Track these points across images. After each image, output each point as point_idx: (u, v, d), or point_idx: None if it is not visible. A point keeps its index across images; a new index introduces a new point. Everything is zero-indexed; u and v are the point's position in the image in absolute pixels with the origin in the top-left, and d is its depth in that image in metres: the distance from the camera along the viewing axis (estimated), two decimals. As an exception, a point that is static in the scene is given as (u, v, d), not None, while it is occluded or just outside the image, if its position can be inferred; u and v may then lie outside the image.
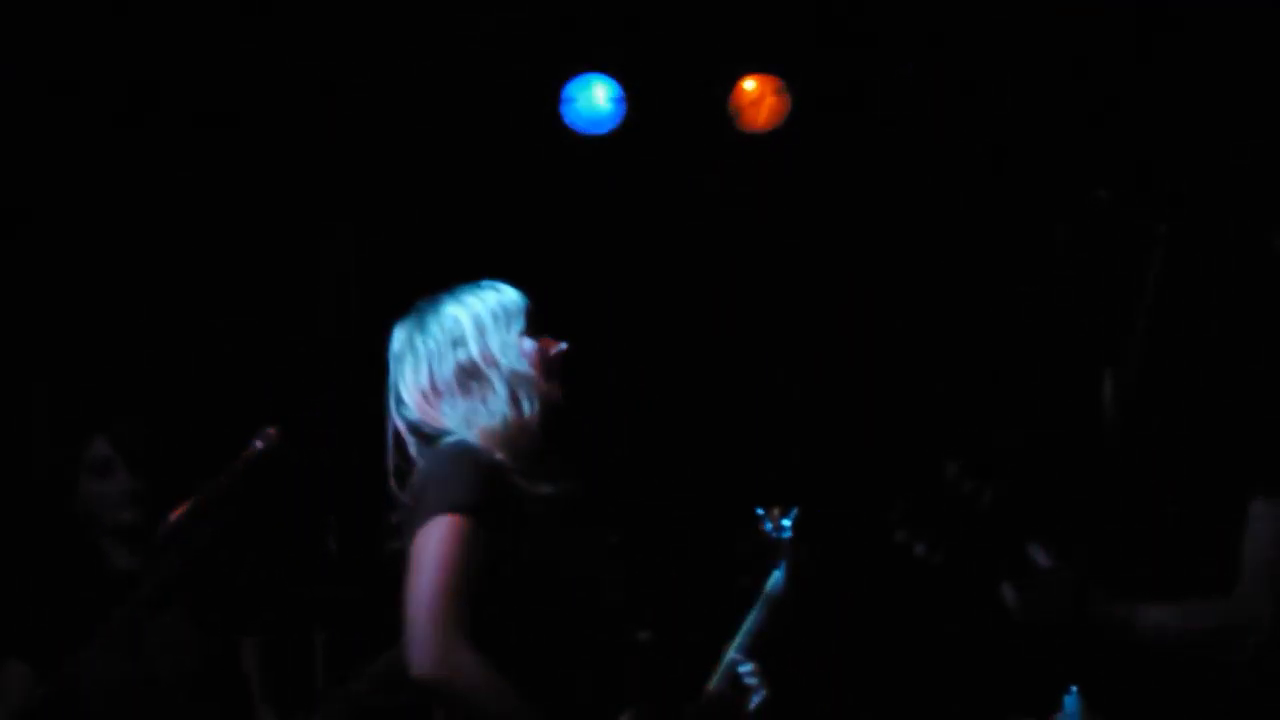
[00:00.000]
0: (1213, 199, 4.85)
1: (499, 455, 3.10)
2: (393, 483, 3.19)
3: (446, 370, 3.17)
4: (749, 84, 5.93)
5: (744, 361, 6.12)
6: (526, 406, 3.17)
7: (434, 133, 5.74)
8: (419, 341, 3.22)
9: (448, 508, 2.97)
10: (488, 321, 3.21)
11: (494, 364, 3.17)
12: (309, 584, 4.82)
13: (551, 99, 5.77)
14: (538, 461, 3.16)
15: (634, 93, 5.86)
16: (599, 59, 5.82)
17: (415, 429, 3.18)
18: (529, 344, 3.25)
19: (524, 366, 3.18)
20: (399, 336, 3.25)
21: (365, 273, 5.54)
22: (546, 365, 3.26)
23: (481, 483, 3.03)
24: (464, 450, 3.09)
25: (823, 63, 5.90)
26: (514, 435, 3.15)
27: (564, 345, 3.30)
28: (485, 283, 3.30)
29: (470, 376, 3.17)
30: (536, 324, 3.30)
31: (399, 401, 3.21)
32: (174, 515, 3.98)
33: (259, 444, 4.01)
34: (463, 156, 5.80)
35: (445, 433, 3.14)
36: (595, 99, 5.82)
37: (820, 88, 5.93)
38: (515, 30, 5.65)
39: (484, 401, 3.15)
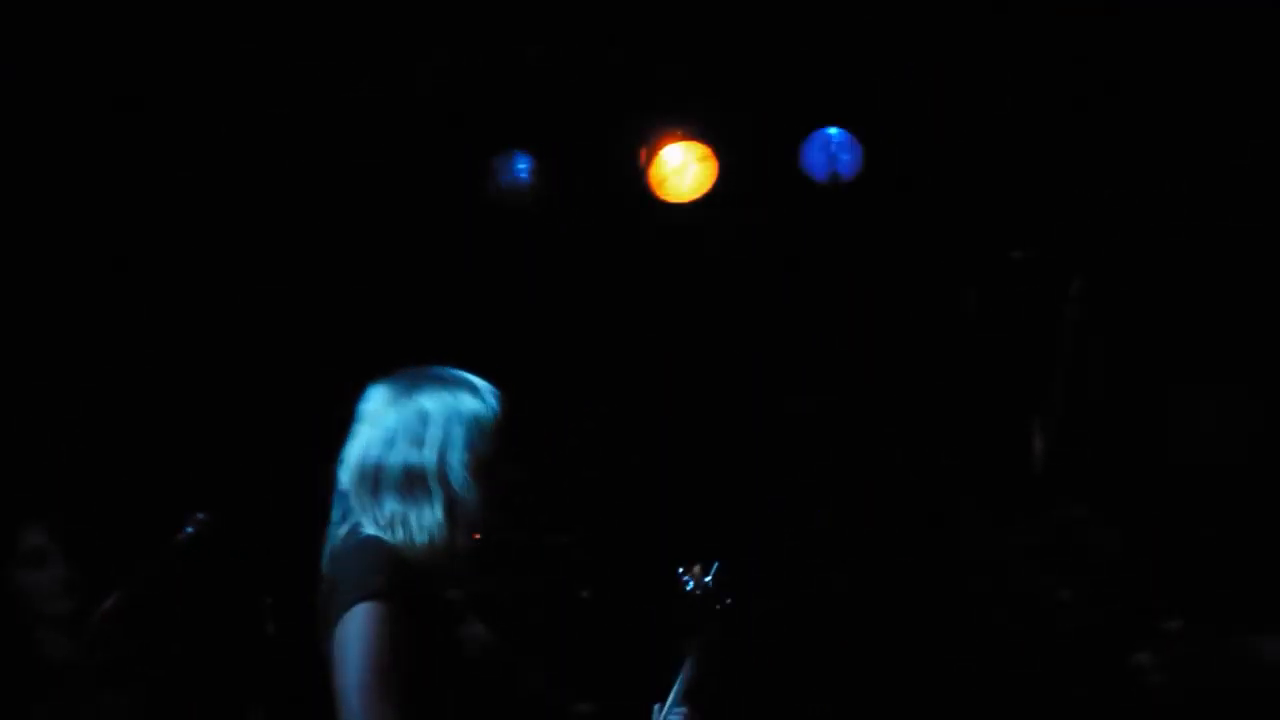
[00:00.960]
0: (1120, 252, 5.10)
1: (410, 557, 3.08)
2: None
3: (396, 462, 3.10)
4: (672, 153, 5.96)
5: (659, 415, 6.15)
6: (456, 536, 3.11)
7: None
8: (386, 417, 3.13)
9: (364, 597, 2.97)
10: (456, 435, 3.11)
11: (444, 483, 3.10)
12: (248, 667, 4.70)
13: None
14: (448, 569, 3.14)
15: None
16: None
17: (343, 496, 3.15)
18: (490, 472, 3.15)
19: (470, 497, 3.10)
20: (374, 399, 3.16)
21: (303, 343, 5.56)
22: (499, 498, 3.19)
23: (393, 572, 3.03)
24: (377, 544, 3.08)
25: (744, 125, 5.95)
26: (431, 554, 3.10)
27: (522, 477, 3.25)
28: (477, 382, 3.20)
29: (415, 483, 3.10)
30: (507, 442, 3.19)
31: (342, 460, 3.16)
32: (108, 602, 4.06)
33: (190, 529, 4.06)
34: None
35: (362, 525, 3.11)
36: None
37: (746, 150, 5.99)
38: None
39: (417, 513, 3.09)
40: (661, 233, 6.07)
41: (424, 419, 3.10)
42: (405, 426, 3.10)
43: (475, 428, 3.11)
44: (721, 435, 6.10)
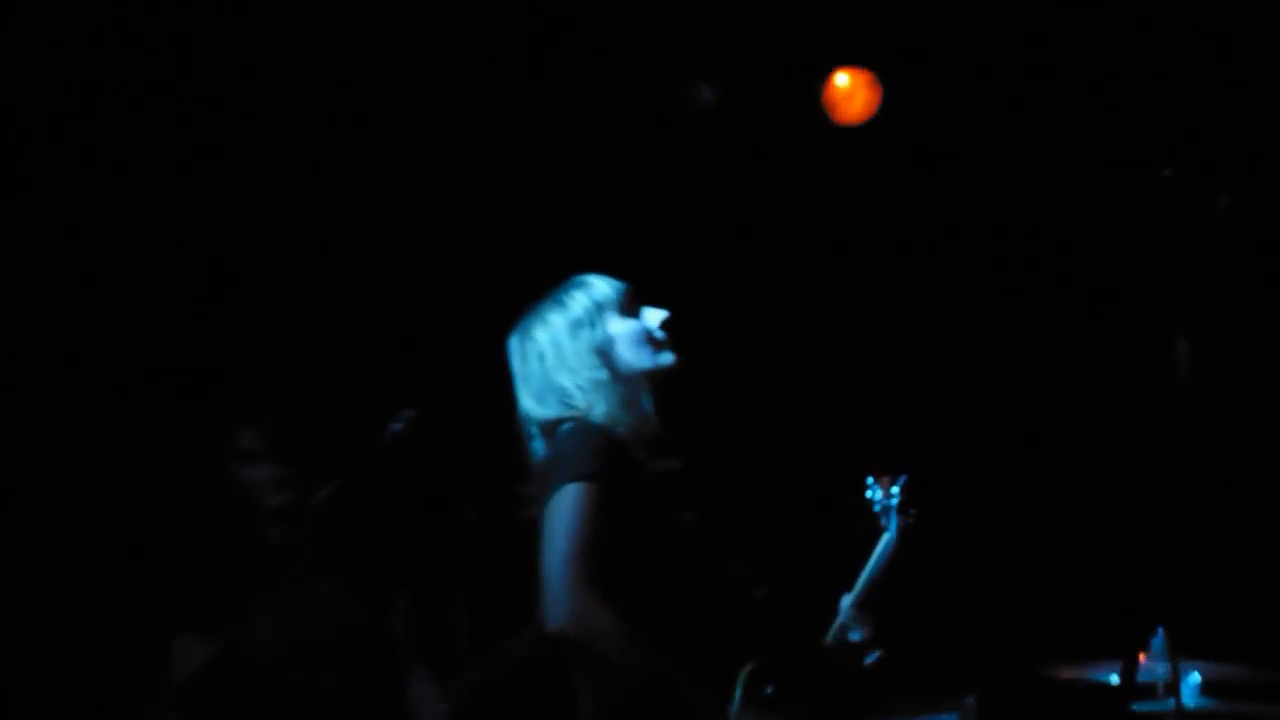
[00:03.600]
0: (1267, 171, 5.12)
1: (619, 431, 3.25)
2: (525, 458, 3.38)
3: (545, 389, 3.33)
4: (841, 78, 5.96)
5: (850, 334, 6.16)
6: (620, 409, 3.29)
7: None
8: (519, 365, 3.40)
9: (575, 476, 3.09)
10: (564, 339, 3.36)
11: (579, 383, 3.31)
12: (450, 552, 4.87)
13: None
14: (654, 441, 3.29)
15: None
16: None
17: (542, 427, 3.35)
18: (625, 327, 3.38)
19: (597, 372, 3.31)
20: (510, 354, 3.43)
21: (488, 260, 5.54)
22: (649, 339, 3.39)
23: (603, 454, 3.16)
24: (586, 427, 3.24)
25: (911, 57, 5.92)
26: (626, 423, 3.27)
27: (664, 314, 3.42)
28: (575, 283, 3.45)
29: (564, 396, 3.31)
30: (633, 301, 3.44)
31: (518, 406, 3.41)
32: (322, 493, 4.15)
33: (397, 426, 4.10)
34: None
35: (567, 419, 3.30)
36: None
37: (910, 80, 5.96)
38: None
39: (586, 411, 3.28)
40: (833, 156, 6.09)
41: (538, 346, 3.36)
42: (533, 360, 3.36)
43: (585, 315, 3.36)
44: (908, 354, 6.17)
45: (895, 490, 3.99)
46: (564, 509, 3.06)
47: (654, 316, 3.45)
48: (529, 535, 3.12)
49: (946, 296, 6.16)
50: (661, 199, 5.87)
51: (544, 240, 5.48)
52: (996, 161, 5.97)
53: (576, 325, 3.39)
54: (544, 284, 3.55)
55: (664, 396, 3.44)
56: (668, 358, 3.41)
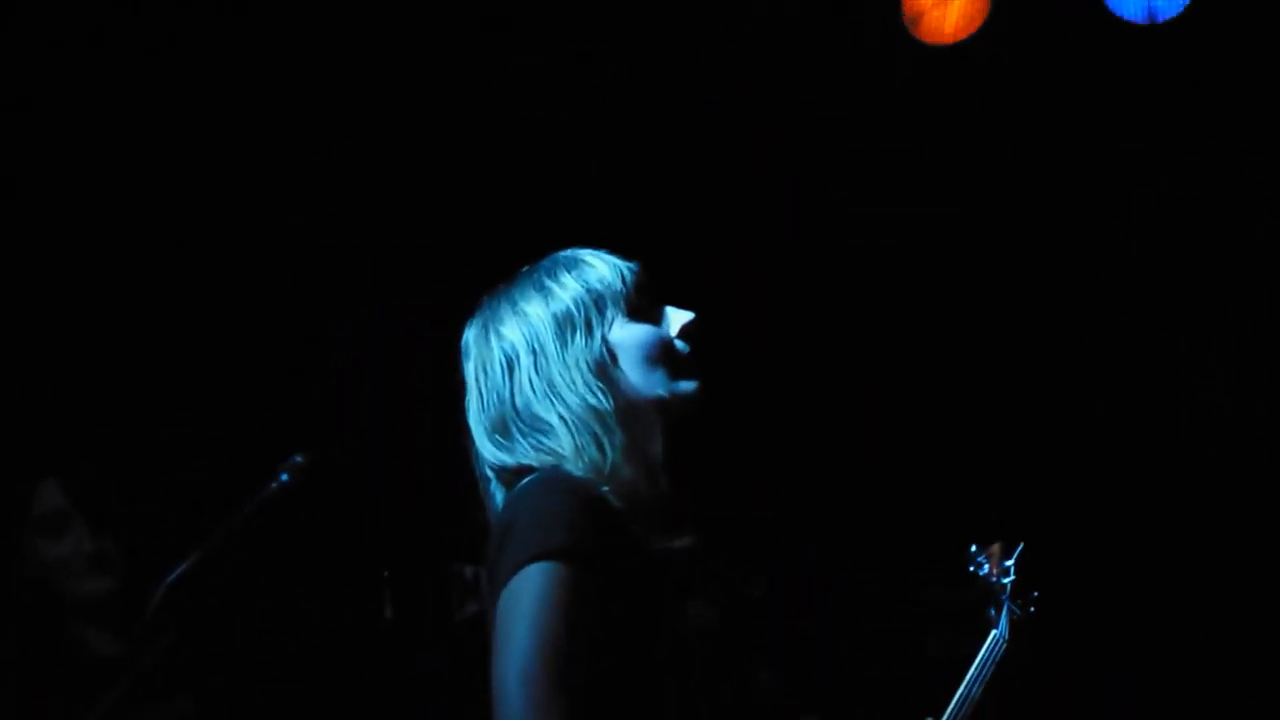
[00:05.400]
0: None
1: (605, 489, 3.01)
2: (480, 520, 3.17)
3: (513, 417, 3.13)
4: None
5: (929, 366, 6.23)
6: (617, 457, 3.06)
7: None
8: (475, 376, 3.20)
9: (540, 553, 2.87)
10: (549, 344, 3.15)
11: (566, 412, 3.10)
12: (360, 665, 4.77)
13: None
14: (662, 506, 3.08)
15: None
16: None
17: (501, 474, 3.14)
18: (634, 334, 3.16)
19: (597, 400, 3.09)
20: (464, 355, 3.23)
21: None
22: (668, 353, 3.15)
23: (584, 520, 2.93)
24: (559, 481, 3.01)
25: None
26: (623, 478, 3.06)
27: (690, 316, 3.20)
28: (564, 260, 3.24)
29: (540, 430, 3.11)
30: (647, 295, 3.21)
31: (471, 438, 3.20)
32: (169, 579, 3.79)
33: (284, 478, 3.87)
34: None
35: (536, 467, 3.10)
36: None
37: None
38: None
39: (567, 457, 3.08)
40: (919, 81, 6.05)
41: (508, 344, 3.15)
42: (497, 364, 3.14)
43: (579, 310, 3.15)
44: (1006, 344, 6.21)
45: (1009, 565, 3.91)
46: (524, 599, 2.85)
47: (676, 320, 3.20)
48: (478, 637, 2.99)
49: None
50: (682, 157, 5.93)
51: (504, 208, 5.52)
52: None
53: (566, 324, 3.15)
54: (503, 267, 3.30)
55: (680, 438, 3.18)
56: (690, 384, 3.14)
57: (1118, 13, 5.83)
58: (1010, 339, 6.24)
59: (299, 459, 3.91)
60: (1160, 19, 5.81)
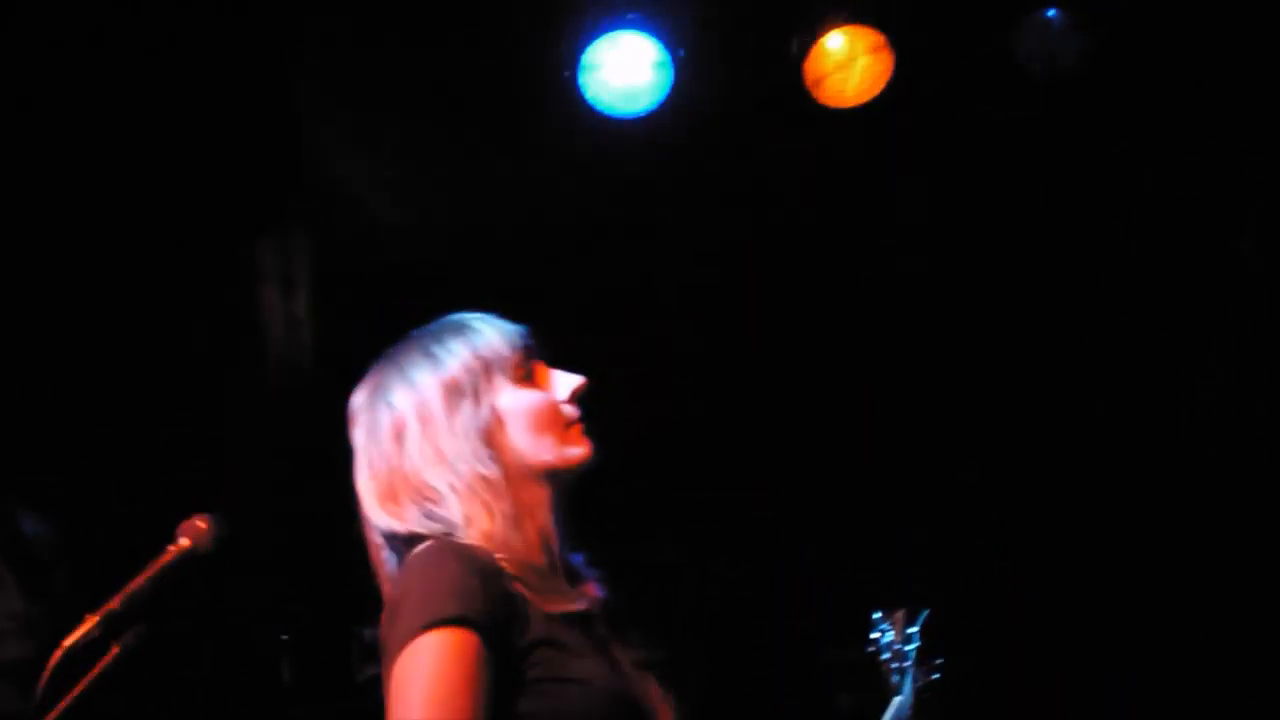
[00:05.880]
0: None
1: (499, 556, 2.97)
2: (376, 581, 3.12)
3: (401, 485, 3.10)
4: (834, 42, 5.84)
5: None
6: (505, 526, 3.03)
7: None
8: (364, 441, 3.16)
9: (430, 622, 2.82)
10: (438, 412, 3.11)
11: (455, 481, 3.07)
12: None
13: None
14: (552, 572, 3.05)
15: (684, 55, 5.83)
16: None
17: (391, 540, 3.10)
18: (522, 401, 3.14)
19: (484, 466, 3.06)
20: (353, 421, 3.17)
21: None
22: (556, 418, 3.14)
23: (475, 588, 2.88)
24: (450, 548, 2.97)
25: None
26: (513, 546, 3.02)
27: (579, 380, 3.18)
28: (450, 325, 3.20)
29: (428, 499, 3.08)
30: (533, 358, 3.20)
31: (363, 506, 3.16)
32: (68, 642, 3.49)
33: (184, 541, 3.59)
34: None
35: (425, 536, 3.05)
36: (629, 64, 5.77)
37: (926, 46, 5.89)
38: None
39: (457, 526, 3.04)
40: (821, 147, 6.03)
41: (395, 412, 3.12)
42: (385, 432, 3.12)
43: (465, 374, 3.14)
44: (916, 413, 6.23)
45: (913, 632, 3.87)
46: (417, 670, 2.80)
47: (565, 384, 3.17)
48: (371, 704, 2.90)
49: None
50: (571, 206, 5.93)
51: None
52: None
53: (454, 392, 3.11)
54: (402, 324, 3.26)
55: (571, 502, 3.16)
56: (579, 449, 3.12)
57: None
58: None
59: (199, 522, 3.56)
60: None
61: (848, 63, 5.79)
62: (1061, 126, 6.01)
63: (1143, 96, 5.99)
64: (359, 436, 3.14)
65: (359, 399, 3.18)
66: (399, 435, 3.10)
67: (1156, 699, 5.94)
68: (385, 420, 3.12)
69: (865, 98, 5.81)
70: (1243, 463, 5.94)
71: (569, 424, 3.14)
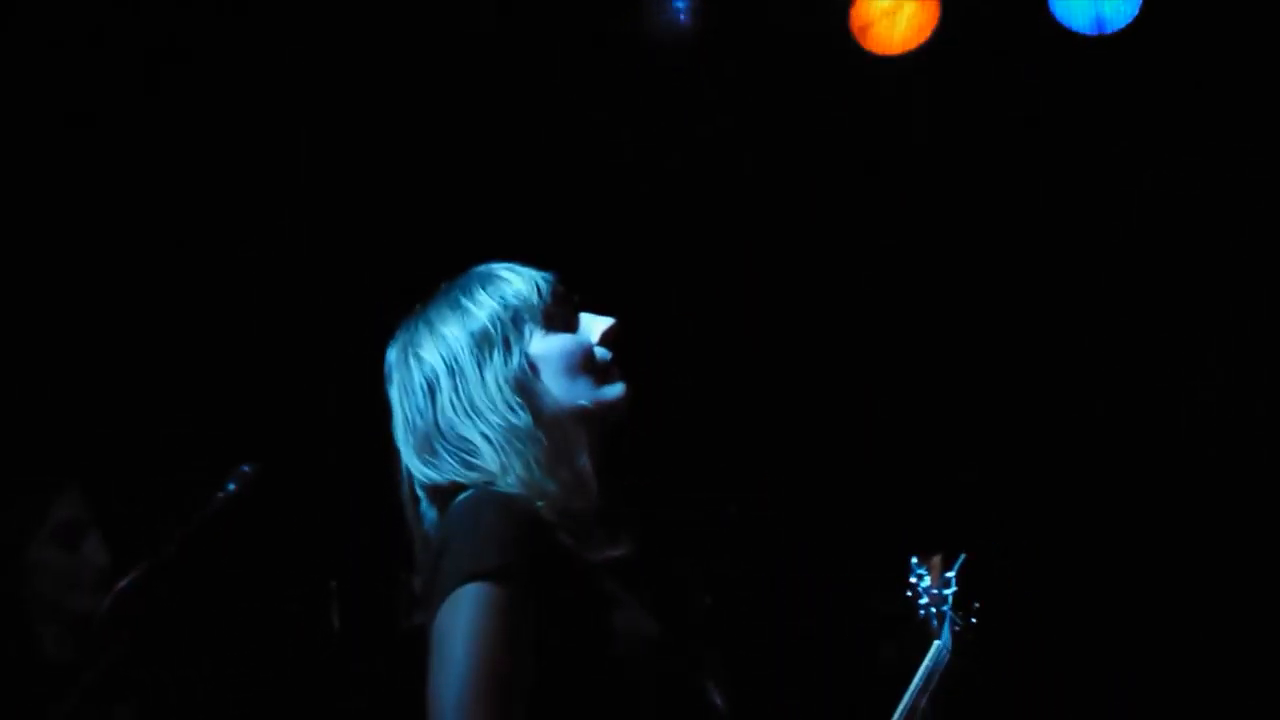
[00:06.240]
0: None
1: (539, 504, 2.99)
2: (414, 533, 3.15)
3: (437, 437, 3.11)
4: None
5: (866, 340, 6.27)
6: (543, 473, 3.05)
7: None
8: (399, 397, 3.19)
9: (473, 575, 2.84)
10: (467, 364, 3.12)
11: (489, 431, 3.08)
12: (306, 674, 4.75)
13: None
14: (593, 518, 3.07)
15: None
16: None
17: (431, 492, 3.13)
18: (554, 345, 3.16)
19: (517, 416, 3.06)
20: (387, 377, 3.21)
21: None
22: (590, 362, 3.15)
23: (516, 538, 2.90)
24: (490, 500, 2.98)
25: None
26: (551, 493, 3.04)
27: (610, 322, 3.19)
28: (478, 275, 3.22)
29: (466, 450, 3.09)
30: (564, 304, 3.21)
31: (399, 457, 3.18)
32: (118, 587, 3.82)
33: (231, 487, 3.87)
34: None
35: (466, 485, 3.07)
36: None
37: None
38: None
39: (495, 475, 3.06)
40: (865, 95, 6.06)
41: (427, 367, 3.14)
42: (418, 387, 3.13)
43: (497, 326, 3.14)
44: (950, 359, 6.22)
45: (950, 576, 3.86)
46: (458, 622, 2.81)
47: (596, 327, 3.18)
48: (417, 652, 2.90)
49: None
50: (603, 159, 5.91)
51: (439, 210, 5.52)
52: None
53: (484, 342, 3.12)
54: (432, 276, 3.25)
55: (610, 446, 3.15)
56: (616, 390, 3.13)
57: (1066, 24, 5.79)
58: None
59: (246, 469, 3.90)
60: (1109, 30, 5.80)
61: (894, 9, 5.80)
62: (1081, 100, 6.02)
63: (1147, 92, 5.99)
64: (393, 393, 3.17)
65: (391, 355, 3.20)
66: (431, 390, 3.11)
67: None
68: (417, 375, 3.14)
69: (911, 45, 5.81)
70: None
71: (603, 365, 3.14)
